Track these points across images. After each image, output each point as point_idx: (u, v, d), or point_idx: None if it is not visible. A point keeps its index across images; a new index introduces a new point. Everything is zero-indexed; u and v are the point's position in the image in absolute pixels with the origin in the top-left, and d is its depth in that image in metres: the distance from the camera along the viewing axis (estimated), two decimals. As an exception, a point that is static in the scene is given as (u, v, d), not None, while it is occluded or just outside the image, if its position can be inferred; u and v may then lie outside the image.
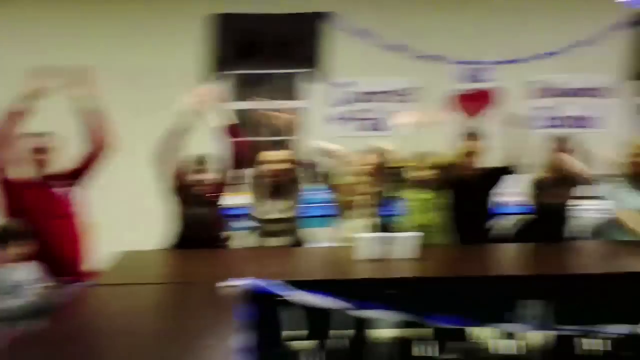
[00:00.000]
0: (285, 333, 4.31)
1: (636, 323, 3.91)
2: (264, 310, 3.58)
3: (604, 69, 7.09)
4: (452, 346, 4.37)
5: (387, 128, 6.81)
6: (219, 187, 4.46)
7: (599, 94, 7.16)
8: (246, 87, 7.31)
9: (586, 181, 4.55)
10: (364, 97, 7.14)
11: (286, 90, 7.38)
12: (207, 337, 2.82)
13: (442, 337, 4.28)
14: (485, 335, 4.40)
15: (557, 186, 4.54)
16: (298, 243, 4.57)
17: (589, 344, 4.28)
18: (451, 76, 7.16)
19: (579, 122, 7.16)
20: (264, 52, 7.36)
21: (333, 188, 4.56)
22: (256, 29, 7.18)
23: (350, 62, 7.05)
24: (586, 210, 4.78)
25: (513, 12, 7.09)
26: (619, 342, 4.30)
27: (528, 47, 6.94)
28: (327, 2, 6.86)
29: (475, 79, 7.20)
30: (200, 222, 4.38)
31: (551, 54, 6.92)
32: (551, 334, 4.19)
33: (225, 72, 7.12)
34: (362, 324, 4.19)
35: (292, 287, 3.48)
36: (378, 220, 4.49)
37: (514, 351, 4.39)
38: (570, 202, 4.60)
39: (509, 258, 4.28)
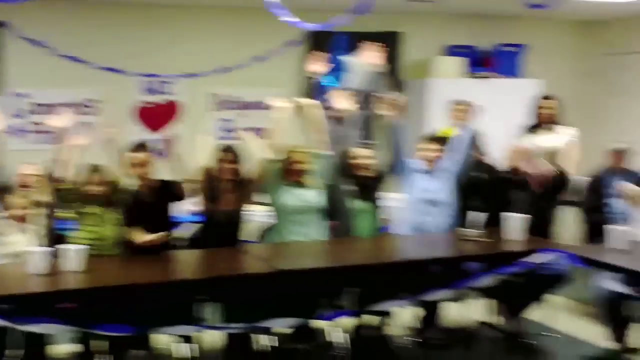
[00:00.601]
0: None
1: (306, 317, 4.28)
2: None
3: (279, 83, 7.64)
4: (133, 354, 4.47)
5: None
6: None
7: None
8: None
9: (256, 187, 4.91)
10: (41, 109, 6.97)
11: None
12: None
13: (121, 347, 4.35)
14: (165, 340, 4.56)
15: (230, 193, 4.82)
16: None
17: (262, 340, 4.65)
18: (133, 89, 7.27)
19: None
20: None
21: (2, 203, 4.44)
22: None
23: (28, 72, 6.84)
24: (254, 215, 5.16)
25: (193, 26, 7.39)
26: (290, 336, 4.72)
27: (208, 62, 7.26)
28: (3, 11, 6.60)
29: (157, 92, 7.38)
30: None
31: (230, 68, 7.30)
32: (225, 333, 4.46)
33: None
34: (36, 341, 4.12)
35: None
36: (50, 233, 4.45)
37: (194, 354, 4.61)
38: (243, 207, 4.91)
39: (182, 264, 4.47)
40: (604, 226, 4.76)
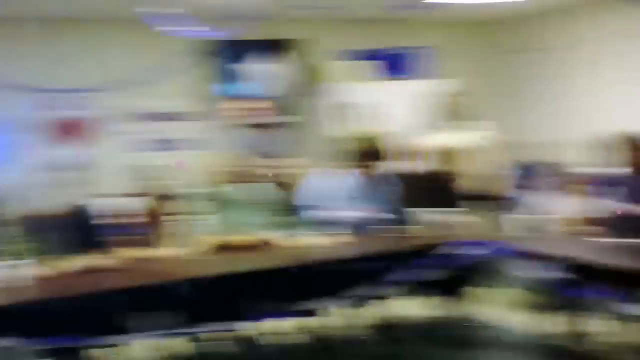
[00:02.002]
0: None
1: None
2: None
3: (183, 94, 7.47)
4: None
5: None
6: None
7: (182, 118, 7.54)
8: None
9: None
10: None
11: None
12: None
13: None
14: None
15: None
16: None
17: None
18: (29, 105, 6.92)
19: (166, 144, 7.45)
20: None
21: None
22: None
23: None
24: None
25: (93, 40, 7.16)
26: None
27: (109, 75, 7.00)
28: None
29: (60, 108, 7.06)
30: None
31: (133, 81, 7.06)
32: None
33: None
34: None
35: None
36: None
37: None
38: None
39: None
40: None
